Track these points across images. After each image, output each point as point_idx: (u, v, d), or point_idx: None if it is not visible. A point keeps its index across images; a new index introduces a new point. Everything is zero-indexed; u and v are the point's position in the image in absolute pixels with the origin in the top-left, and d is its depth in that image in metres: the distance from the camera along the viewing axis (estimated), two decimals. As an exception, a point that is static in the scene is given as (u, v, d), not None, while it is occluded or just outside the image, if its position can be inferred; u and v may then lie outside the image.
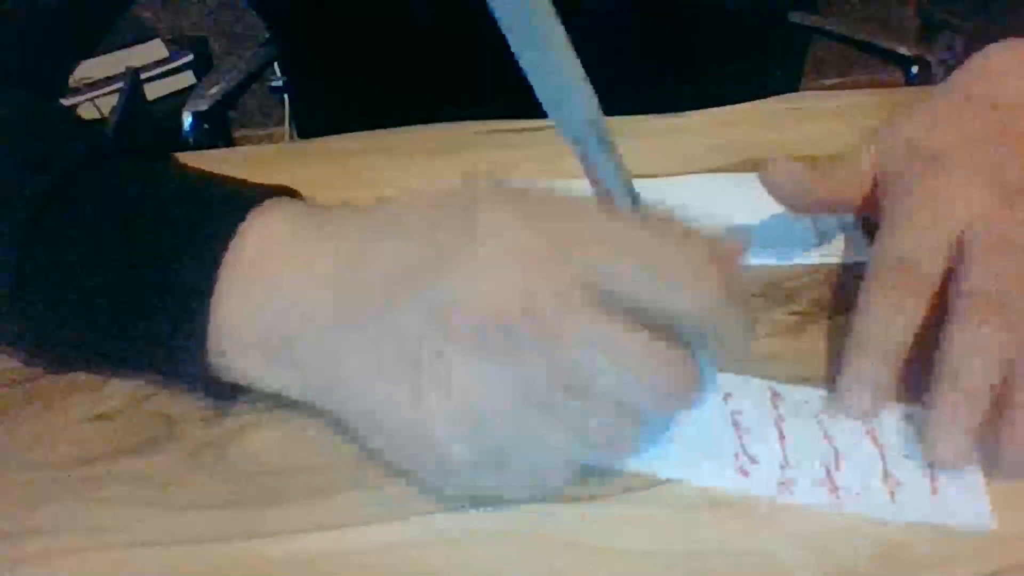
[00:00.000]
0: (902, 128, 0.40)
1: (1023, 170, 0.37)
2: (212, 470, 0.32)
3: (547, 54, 0.26)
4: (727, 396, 0.34)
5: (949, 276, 0.34)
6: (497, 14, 0.25)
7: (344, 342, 0.29)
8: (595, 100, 0.27)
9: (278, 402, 0.34)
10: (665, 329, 0.27)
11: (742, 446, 0.32)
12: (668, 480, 0.31)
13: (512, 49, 0.25)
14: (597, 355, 0.26)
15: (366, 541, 0.29)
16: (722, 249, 0.30)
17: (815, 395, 0.34)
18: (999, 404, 0.31)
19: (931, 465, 0.31)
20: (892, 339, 0.33)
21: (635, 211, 0.29)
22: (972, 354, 0.31)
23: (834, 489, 0.30)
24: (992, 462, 0.31)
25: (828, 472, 0.31)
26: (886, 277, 0.35)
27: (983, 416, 0.31)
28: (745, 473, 0.31)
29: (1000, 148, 0.38)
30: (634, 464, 0.31)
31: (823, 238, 0.43)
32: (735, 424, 0.33)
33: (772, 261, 0.42)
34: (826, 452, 0.31)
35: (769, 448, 0.32)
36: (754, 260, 0.42)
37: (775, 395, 0.34)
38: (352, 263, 0.29)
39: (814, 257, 0.41)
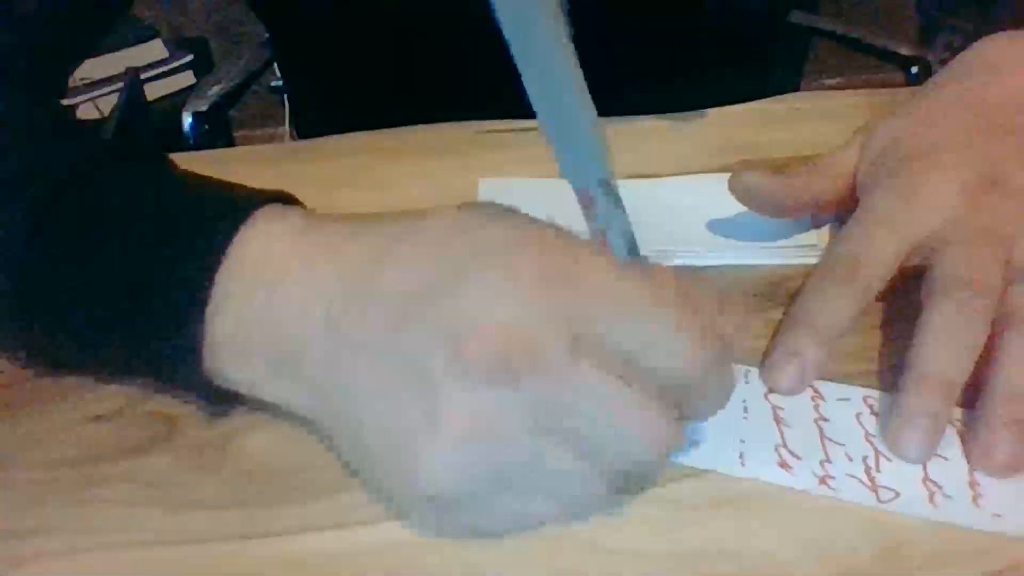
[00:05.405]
0: (886, 127, 0.41)
1: (1005, 164, 0.37)
2: (212, 470, 0.32)
3: (566, 111, 0.25)
4: (768, 392, 0.34)
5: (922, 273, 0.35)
6: (517, 61, 0.24)
7: (349, 361, 0.28)
8: (608, 156, 0.27)
9: (278, 402, 0.34)
10: (651, 379, 0.27)
11: (783, 440, 0.32)
12: (668, 480, 0.31)
13: (530, 100, 0.25)
14: (584, 403, 0.26)
15: (366, 541, 0.29)
16: (714, 303, 0.30)
17: (856, 394, 0.34)
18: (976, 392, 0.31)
19: (972, 470, 0.31)
20: (825, 320, 0.34)
21: (634, 263, 0.29)
22: (943, 341, 0.32)
23: (874, 489, 0.30)
24: (977, 459, 0.31)
25: (868, 471, 0.31)
26: (832, 266, 0.36)
27: (952, 405, 0.31)
28: (787, 467, 0.31)
29: (983, 143, 0.38)
30: (676, 456, 0.31)
31: (822, 238, 0.43)
32: (776, 419, 0.33)
33: (771, 261, 0.42)
34: (867, 452, 0.31)
35: (810, 444, 0.32)
36: (754, 260, 0.42)
37: (816, 393, 0.34)
38: (358, 281, 0.29)
39: (814, 257, 0.41)
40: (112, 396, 0.35)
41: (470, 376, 0.26)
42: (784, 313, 0.37)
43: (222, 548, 0.29)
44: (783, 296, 0.39)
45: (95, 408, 0.34)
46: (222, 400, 0.33)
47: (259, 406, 0.33)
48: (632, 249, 0.29)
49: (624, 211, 0.28)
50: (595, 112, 0.26)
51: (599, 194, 0.27)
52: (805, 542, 0.29)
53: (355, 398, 0.28)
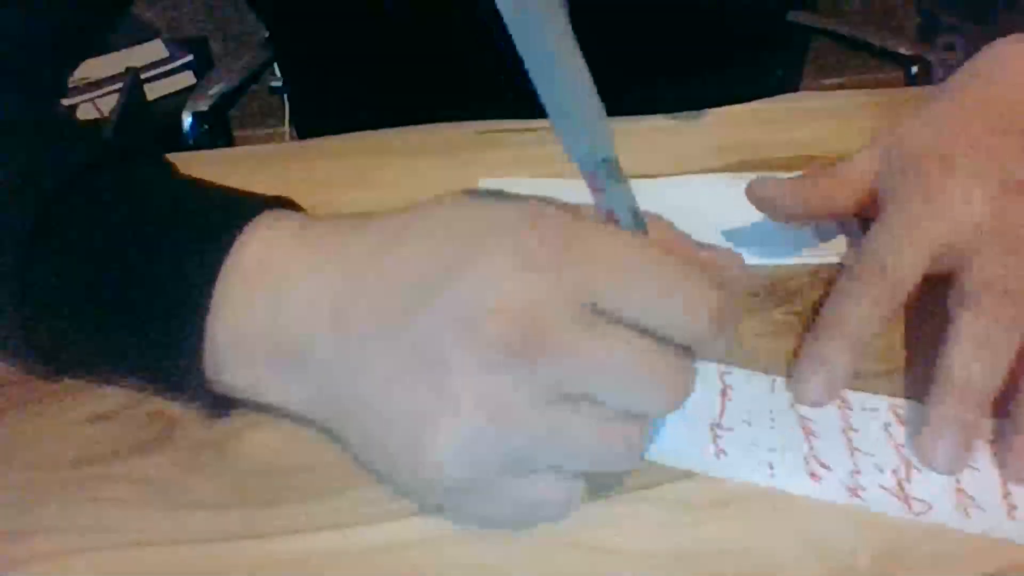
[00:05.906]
0: (904, 130, 0.40)
1: (1022, 167, 0.36)
2: (212, 470, 0.32)
3: (567, 89, 0.26)
4: (795, 403, 0.34)
5: (948, 279, 0.34)
6: (518, 45, 0.24)
7: (358, 353, 0.28)
8: (612, 136, 0.27)
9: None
10: (661, 337, 0.28)
11: (812, 451, 0.32)
12: (668, 480, 0.31)
13: (531, 80, 0.25)
14: (601, 369, 0.27)
15: (366, 541, 0.29)
16: (720, 263, 0.31)
17: (883, 403, 0.34)
18: (1008, 403, 0.31)
19: (1005, 480, 0.30)
20: (853, 327, 0.34)
21: (639, 235, 0.29)
22: (973, 350, 0.32)
23: (904, 499, 0.30)
24: (1010, 469, 0.31)
25: (899, 482, 0.31)
26: (860, 274, 0.36)
27: (983, 414, 0.31)
28: (816, 477, 0.31)
29: (999, 147, 0.37)
30: (702, 468, 0.31)
31: (823, 238, 0.43)
32: (804, 429, 0.33)
33: (772, 261, 0.42)
34: (896, 462, 0.31)
35: (838, 455, 0.32)
36: (754, 260, 0.42)
37: (843, 402, 0.34)
38: (362, 274, 0.29)
39: (814, 257, 0.42)
40: (112, 396, 0.35)
41: (485, 358, 0.26)
42: (791, 312, 0.37)
43: (222, 548, 0.29)
44: (783, 296, 0.39)
45: (95, 408, 0.34)
46: (220, 406, 0.33)
47: (259, 407, 0.33)
48: (638, 222, 0.29)
49: (629, 187, 0.29)
50: (597, 94, 0.26)
51: (603, 173, 0.28)
52: (805, 542, 0.29)
53: (366, 387, 0.28)
